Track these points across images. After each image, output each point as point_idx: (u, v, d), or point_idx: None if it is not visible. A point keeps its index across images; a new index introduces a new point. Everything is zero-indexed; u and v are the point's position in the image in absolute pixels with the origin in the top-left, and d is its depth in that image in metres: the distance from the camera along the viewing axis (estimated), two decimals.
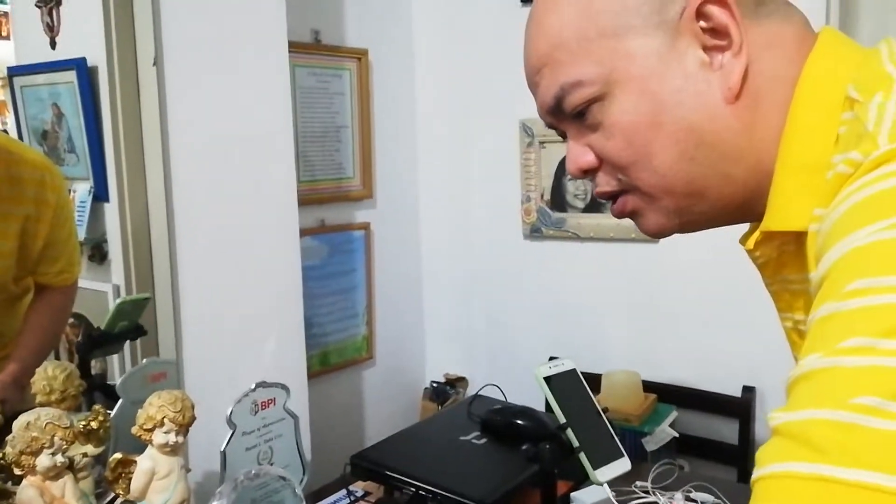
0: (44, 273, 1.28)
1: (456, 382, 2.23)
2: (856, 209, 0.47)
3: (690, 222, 0.64)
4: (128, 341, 1.44)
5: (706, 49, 0.59)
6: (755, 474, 0.44)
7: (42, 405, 1.18)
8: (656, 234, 0.66)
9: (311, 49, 1.91)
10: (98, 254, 1.39)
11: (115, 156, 1.33)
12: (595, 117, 0.61)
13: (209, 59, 1.34)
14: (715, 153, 0.60)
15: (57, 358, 1.36)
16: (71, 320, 1.40)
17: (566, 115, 0.63)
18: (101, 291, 1.39)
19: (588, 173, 0.65)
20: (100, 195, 1.35)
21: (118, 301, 1.41)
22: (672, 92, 0.59)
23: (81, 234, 1.35)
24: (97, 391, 1.38)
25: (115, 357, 1.45)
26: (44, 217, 1.26)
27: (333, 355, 2.01)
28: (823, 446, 0.40)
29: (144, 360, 1.34)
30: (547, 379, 1.12)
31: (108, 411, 1.23)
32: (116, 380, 1.40)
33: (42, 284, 1.29)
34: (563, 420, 1.10)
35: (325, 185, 1.98)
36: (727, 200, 0.62)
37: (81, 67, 1.30)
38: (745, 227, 0.69)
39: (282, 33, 1.46)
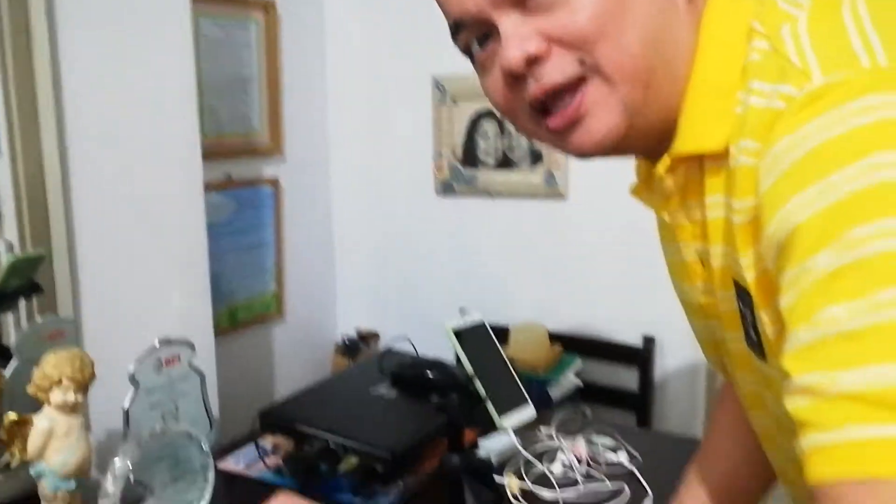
0: None
1: (367, 337, 2.24)
2: (817, 154, 0.47)
3: (629, 137, 0.61)
4: (23, 299, 1.38)
5: None
6: (822, 438, 0.43)
7: None
8: (598, 146, 0.62)
9: None
10: None
11: (5, 108, 1.26)
12: None
13: (105, 6, 1.28)
14: (672, 45, 0.60)
15: None
16: None
17: None
18: None
19: (532, 63, 0.59)
20: None
21: (11, 258, 1.35)
22: None
23: None
24: None
25: (11, 317, 1.40)
26: None
27: (242, 311, 1.99)
28: None
29: (40, 319, 1.29)
30: (456, 332, 1.14)
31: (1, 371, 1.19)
32: (11, 340, 1.35)
33: None
34: (470, 371, 1.12)
35: (232, 139, 1.93)
36: (662, 110, 0.61)
37: None
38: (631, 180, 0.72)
39: None
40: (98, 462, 1.13)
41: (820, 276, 0.45)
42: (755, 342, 0.58)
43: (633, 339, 1.87)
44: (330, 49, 2.20)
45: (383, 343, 2.23)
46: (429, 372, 1.39)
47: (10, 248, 1.34)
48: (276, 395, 2.10)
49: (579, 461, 1.26)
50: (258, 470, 1.30)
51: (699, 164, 0.61)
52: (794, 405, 0.45)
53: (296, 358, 2.17)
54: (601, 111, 0.59)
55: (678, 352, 1.84)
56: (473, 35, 0.63)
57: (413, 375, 1.41)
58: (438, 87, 2.07)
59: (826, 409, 0.43)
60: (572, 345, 1.90)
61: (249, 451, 1.35)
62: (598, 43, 0.57)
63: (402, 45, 2.11)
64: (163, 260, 1.41)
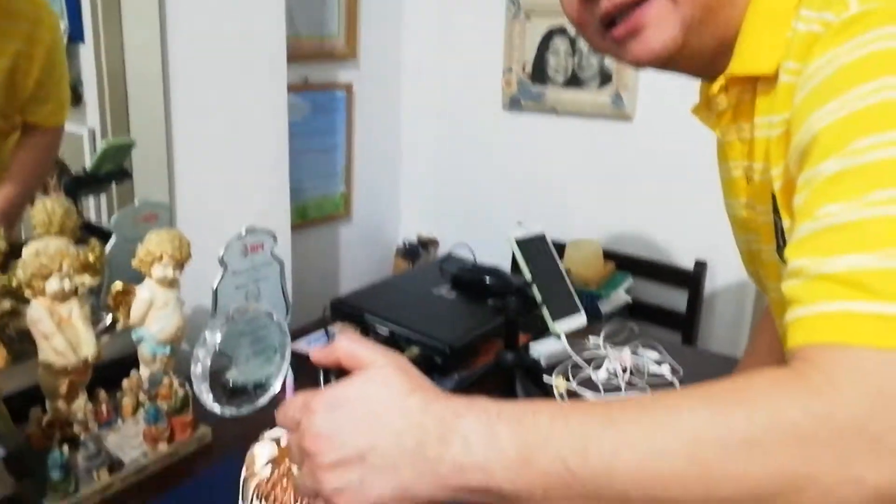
0: (33, 112, 1.28)
1: (427, 243, 2.34)
2: (840, 74, 0.52)
3: (683, 49, 0.67)
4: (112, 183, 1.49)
5: None
6: (800, 311, 0.48)
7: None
8: (654, 55, 0.67)
9: None
10: (73, 96, 1.39)
11: (90, 2, 1.31)
12: None
13: None
14: None
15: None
16: None
17: None
18: (76, 135, 1.40)
19: None
20: (74, 36, 1.34)
21: (104, 144, 1.45)
22: None
23: None
24: (85, 230, 1.44)
25: (103, 201, 1.50)
26: (37, 55, 1.25)
27: (312, 210, 2.09)
28: (879, 288, 0.44)
29: (137, 201, 1.39)
30: (519, 241, 1.22)
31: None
32: (104, 219, 1.46)
33: (31, 124, 1.29)
34: (529, 277, 1.21)
35: (310, 41, 1.99)
36: (719, 34, 0.67)
37: None
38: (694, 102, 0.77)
39: None
40: (187, 335, 1.25)
41: (826, 178, 0.51)
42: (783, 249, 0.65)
43: (685, 261, 1.92)
44: None
45: (442, 250, 2.32)
46: (487, 277, 1.48)
47: (91, 135, 1.44)
48: (341, 289, 2.22)
49: (624, 370, 1.34)
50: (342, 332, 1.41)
51: (752, 86, 0.66)
52: (787, 286, 0.51)
53: (360, 257, 2.28)
54: (661, 24, 0.65)
55: (729, 277, 1.89)
56: None
57: (472, 279, 1.50)
58: (512, 0, 2.07)
59: (809, 287, 0.49)
60: (625, 263, 1.96)
61: (319, 335, 1.47)
62: None
63: None
64: (248, 155, 1.49)
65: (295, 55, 1.89)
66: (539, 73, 2.08)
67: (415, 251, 2.29)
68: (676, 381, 1.32)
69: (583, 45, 1.99)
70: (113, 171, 1.47)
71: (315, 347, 0.63)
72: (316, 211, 2.10)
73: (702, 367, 1.40)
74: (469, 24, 2.19)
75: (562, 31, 2.02)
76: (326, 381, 0.62)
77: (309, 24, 1.97)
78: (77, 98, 1.40)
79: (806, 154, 0.54)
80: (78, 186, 1.47)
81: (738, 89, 0.68)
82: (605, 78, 1.97)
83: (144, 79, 1.37)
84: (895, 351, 0.44)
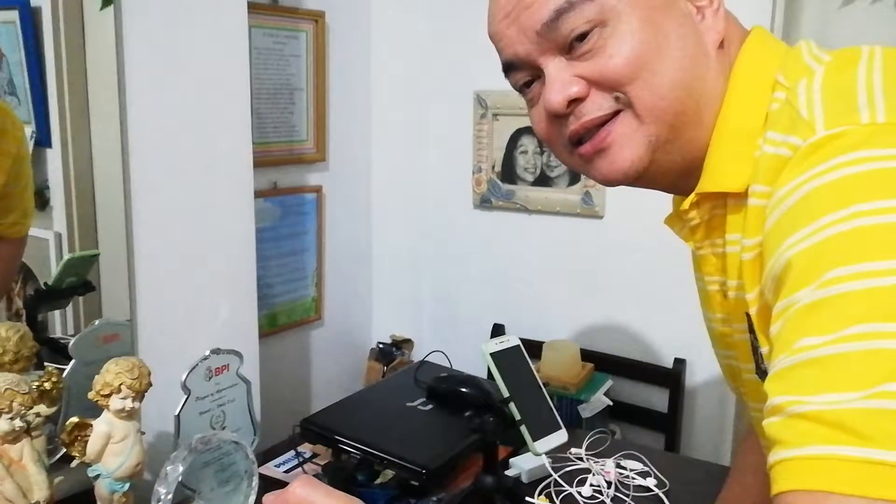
0: None
1: (401, 344, 2.29)
2: (810, 199, 0.52)
3: (650, 167, 0.67)
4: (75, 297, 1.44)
5: (695, 4, 0.67)
6: (784, 454, 0.47)
7: None
8: (622, 174, 0.68)
9: (268, 10, 1.89)
10: (39, 200, 1.37)
11: (58, 102, 1.30)
12: (594, 42, 0.64)
13: (168, 11, 1.32)
14: (702, 90, 0.65)
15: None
16: None
17: (556, 39, 0.65)
18: (42, 238, 1.37)
19: (572, 104, 0.66)
20: (42, 141, 1.32)
21: (67, 257, 1.41)
22: (675, 27, 0.65)
23: None
24: (44, 345, 1.39)
25: (61, 315, 1.45)
26: (1, 166, 1.22)
27: (282, 316, 2.04)
28: (865, 432, 0.43)
29: (97, 322, 1.34)
30: (493, 355, 1.19)
31: (61, 367, 1.25)
32: (57, 331, 1.41)
33: None
34: (506, 394, 1.16)
35: (279, 147, 1.99)
36: (686, 153, 0.67)
37: (25, 7, 1.26)
38: (668, 210, 0.77)
39: None
40: (149, 463, 1.19)
41: (800, 309, 0.49)
42: (763, 373, 0.62)
43: (664, 360, 1.89)
44: (375, 60, 2.25)
45: (417, 350, 2.28)
46: (463, 388, 1.44)
47: (58, 239, 1.40)
48: (313, 396, 2.15)
49: (609, 485, 1.29)
50: (297, 476, 1.35)
51: (724, 202, 0.67)
52: (768, 423, 0.49)
53: (332, 361, 2.23)
54: (627, 143, 0.66)
55: (709, 375, 1.86)
56: (523, 76, 0.70)
57: (448, 391, 1.46)
58: (480, 102, 2.10)
59: (791, 426, 0.47)
60: (604, 363, 1.93)
61: (289, 457, 1.40)
62: (632, 84, 0.64)
63: (446, 59, 2.15)
64: (214, 264, 1.45)
65: (264, 161, 1.89)
66: (508, 172, 2.09)
67: (389, 353, 2.24)
68: (663, 496, 1.27)
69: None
70: (76, 283, 1.43)
71: (267, 496, 0.59)
72: (286, 317, 2.05)
73: (687, 477, 1.35)
74: (438, 125, 2.21)
75: (529, 130, 2.04)
76: None
77: (278, 129, 1.98)
78: (44, 203, 1.38)
79: (780, 282, 0.52)
80: (39, 301, 1.43)
81: (709, 205, 0.68)
82: (574, 177, 1.99)
83: (110, 184, 1.34)
84: (882, 501, 0.42)
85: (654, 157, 0.66)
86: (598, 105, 0.65)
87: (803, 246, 0.51)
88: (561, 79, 0.65)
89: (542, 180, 2.04)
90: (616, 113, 0.65)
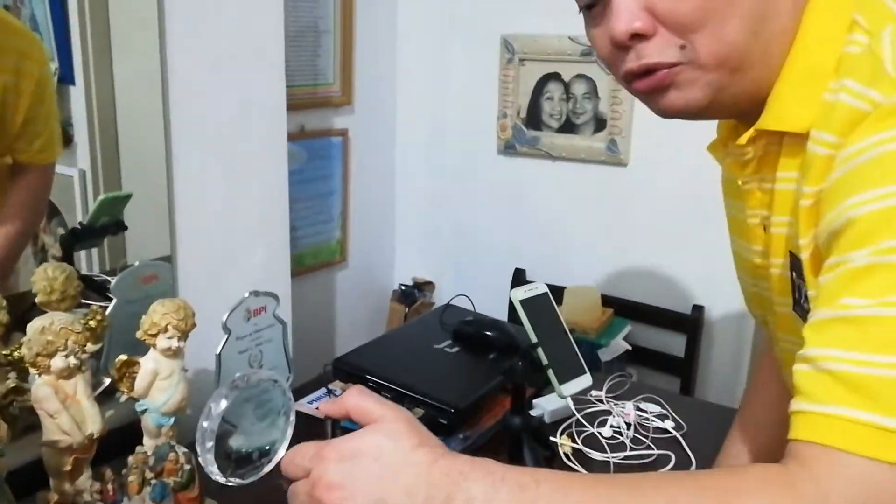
0: (23, 150, 1.22)
1: (423, 286, 2.33)
2: (883, 162, 0.52)
3: (710, 107, 0.65)
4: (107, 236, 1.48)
5: None
6: (807, 406, 0.50)
7: (42, 304, 1.24)
8: (678, 112, 0.66)
9: None
10: (64, 137, 1.38)
11: (80, 37, 1.31)
12: None
13: None
14: (771, 32, 0.63)
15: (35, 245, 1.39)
16: None
17: None
18: (67, 176, 1.39)
19: (634, 39, 0.63)
20: (65, 77, 1.32)
21: (101, 197, 1.44)
22: None
23: None
24: (84, 283, 1.43)
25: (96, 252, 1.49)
26: (24, 90, 1.19)
27: (308, 257, 2.09)
28: (883, 399, 0.47)
29: (137, 262, 1.38)
30: (522, 302, 1.22)
31: (104, 306, 1.30)
32: (83, 269, 1.45)
33: (21, 163, 1.23)
34: (534, 340, 1.20)
35: (305, 90, 1.99)
36: (752, 88, 0.65)
37: None
38: (710, 136, 0.77)
39: None
40: (192, 398, 1.24)
41: (853, 269, 0.51)
42: (803, 310, 0.65)
43: (683, 306, 1.93)
44: (402, 4, 2.23)
45: (438, 293, 2.32)
46: (489, 332, 1.48)
47: (82, 175, 1.43)
48: (338, 336, 2.21)
49: (628, 426, 1.34)
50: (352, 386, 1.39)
51: (779, 140, 0.66)
52: (798, 370, 0.52)
53: (356, 302, 2.28)
54: (686, 87, 0.64)
55: (727, 322, 1.90)
56: None
57: (474, 334, 1.50)
58: (507, 46, 2.09)
59: (818, 381, 0.50)
60: (624, 309, 1.97)
61: (321, 394, 1.46)
62: (699, 32, 0.61)
63: (474, 3, 2.13)
64: (249, 208, 1.47)
65: (291, 104, 1.90)
66: (534, 118, 2.09)
67: (410, 294, 2.28)
68: (680, 438, 1.32)
69: (577, 90, 2.01)
70: (109, 223, 1.46)
71: (323, 401, 0.65)
72: (312, 258, 2.10)
73: (703, 420, 1.40)
74: (464, 69, 2.20)
75: (556, 76, 2.04)
76: (334, 433, 0.65)
77: (305, 72, 1.98)
78: (68, 139, 1.39)
79: (836, 237, 0.54)
80: (75, 240, 1.47)
81: (765, 141, 0.68)
82: (599, 124, 1.99)
83: (133, 122, 1.35)
84: (887, 463, 0.46)
85: (713, 98, 0.65)
86: (660, 51, 0.63)
87: (867, 209, 0.52)
88: (628, 7, 0.62)
89: (568, 127, 2.04)
90: (677, 64, 0.63)
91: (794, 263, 0.65)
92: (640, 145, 1.95)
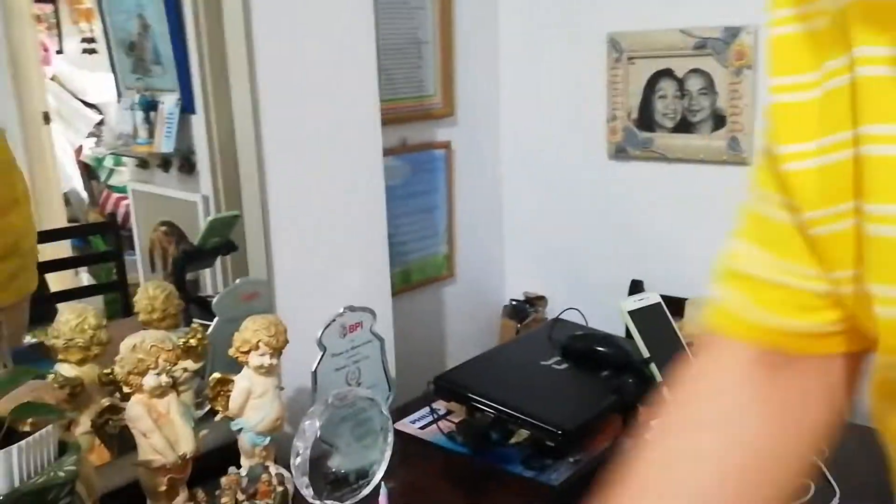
0: None
1: (535, 301, 2.24)
2: None
3: None
4: (219, 256, 1.50)
5: None
6: None
7: (144, 324, 1.26)
8: None
9: None
10: (187, 165, 1.44)
11: (199, 68, 1.35)
12: None
13: None
14: None
15: (152, 267, 1.43)
16: (164, 229, 1.46)
17: None
18: (190, 202, 1.44)
19: None
20: (186, 107, 1.38)
21: (209, 219, 1.46)
22: None
23: (171, 145, 1.39)
24: (192, 303, 1.45)
25: (209, 273, 1.52)
26: None
27: (415, 273, 2.05)
28: None
29: (238, 280, 1.38)
30: (632, 313, 1.12)
31: (206, 324, 1.30)
32: (207, 289, 1.46)
33: None
34: (646, 354, 1.10)
35: (407, 103, 1.97)
36: None
37: None
38: None
39: None
40: (288, 417, 1.21)
41: None
42: None
43: None
44: (502, 7, 2.18)
45: (551, 307, 2.23)
46: (600, 347, 1.38)
47: (205, 202, 1.45)
48: (447, 353, 2.16)
49: None
50: (432, 432, 1.34)
51: None
52: None
53: (465, 318, 2.22)
54: None
55: None
56: None
57: (585, 349, 1.40)
58: (614, 45, 1.99)
59: None
60: None
61: (424, 413, 1.40)
62: None
63: (577, 1, 2.05)
64: (345, 224, 1.46)
65: (392, 118, 1.88)
66: (646, 119, 1.98)
67: (522, 310, 2.20)
68: (821, 463, 1.17)
69: (692, 86, 1.88)
70: (219, 244, 1.48)
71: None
72: (419, 274, 2.05)
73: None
74: (569, 72, 2.11)
75: (668, 72, 1.91)
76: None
77: (406, 85, 1.96)
78: (191, 167, 1.44)
79: None
80: (186, 261, 1.49)
81: None
82: (718, 121, 1.85)
83: (251, 147, 1.37)
84: None
85: None
86: None
87: None
88: None
89: (683, 126, 1.91)
90: None
91: None
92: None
